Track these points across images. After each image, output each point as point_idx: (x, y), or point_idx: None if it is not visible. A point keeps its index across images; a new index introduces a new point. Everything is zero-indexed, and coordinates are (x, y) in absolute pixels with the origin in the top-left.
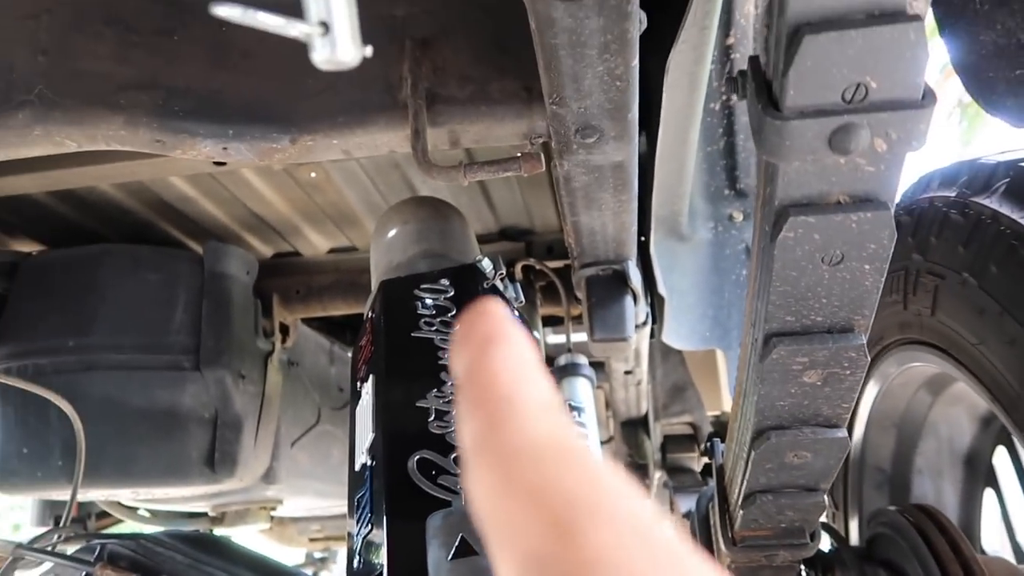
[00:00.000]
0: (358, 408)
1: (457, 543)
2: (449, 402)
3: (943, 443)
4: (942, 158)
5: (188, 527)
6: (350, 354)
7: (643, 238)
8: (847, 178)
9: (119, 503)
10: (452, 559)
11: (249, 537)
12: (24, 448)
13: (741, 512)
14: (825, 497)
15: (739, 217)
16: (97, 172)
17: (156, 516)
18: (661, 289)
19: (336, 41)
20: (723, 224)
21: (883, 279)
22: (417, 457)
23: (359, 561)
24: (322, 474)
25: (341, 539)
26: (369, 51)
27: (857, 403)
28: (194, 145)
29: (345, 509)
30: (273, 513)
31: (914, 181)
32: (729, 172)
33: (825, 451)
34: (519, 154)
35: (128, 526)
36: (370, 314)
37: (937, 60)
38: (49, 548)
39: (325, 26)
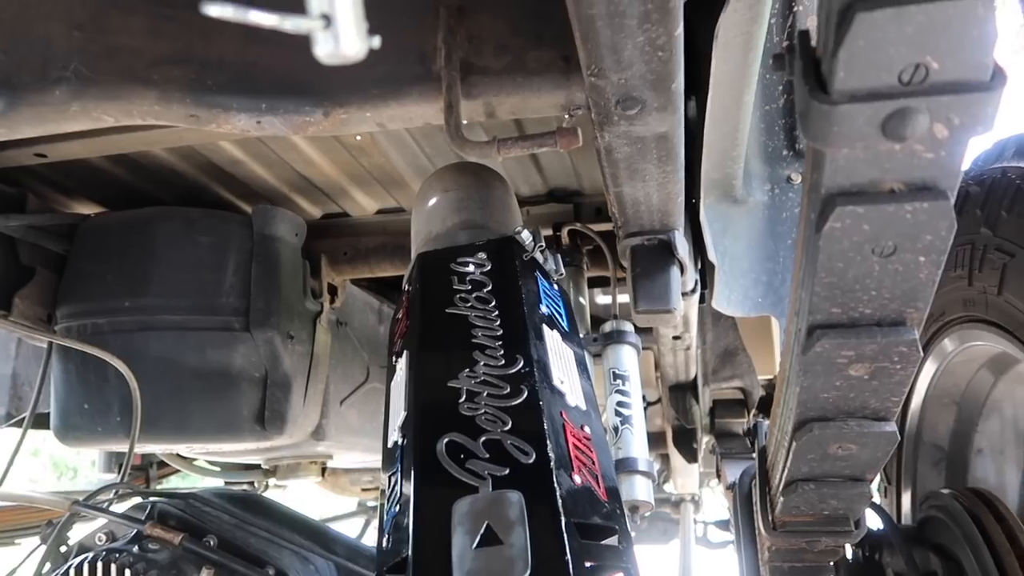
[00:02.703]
0: (392, 383)
1: (483, 531)
2: (481, 382)
3: (1007, 423)
4: (1018, 123)
5: (243, 479)
6: None
7: (693, 201)
8: (902, 165)
9: (177, 455)
10: (477, 547)
11: (303, 488)
12: (85, 404)
13: (782, 498)
14: (870, 487)
15: (798, 179)
16: (148, 137)
17: (212, 467)
18: (712, 255)
19: (339, 34)
20: (780, 186)
21: (940, 271)
22: (446, 440)
23: (388, 540)
24: (371, 430)
25: None
26: (377, 42)
27: (915, 379)
28: (228, 119)
29: None
30: (325, 466)
31: (986, 148)
32: (788, 132)
33: (872, 444)
34: (555, 128)
35: (185, 476)
36: (407, 287)
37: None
38: (104, 504)
39: (327, 19)
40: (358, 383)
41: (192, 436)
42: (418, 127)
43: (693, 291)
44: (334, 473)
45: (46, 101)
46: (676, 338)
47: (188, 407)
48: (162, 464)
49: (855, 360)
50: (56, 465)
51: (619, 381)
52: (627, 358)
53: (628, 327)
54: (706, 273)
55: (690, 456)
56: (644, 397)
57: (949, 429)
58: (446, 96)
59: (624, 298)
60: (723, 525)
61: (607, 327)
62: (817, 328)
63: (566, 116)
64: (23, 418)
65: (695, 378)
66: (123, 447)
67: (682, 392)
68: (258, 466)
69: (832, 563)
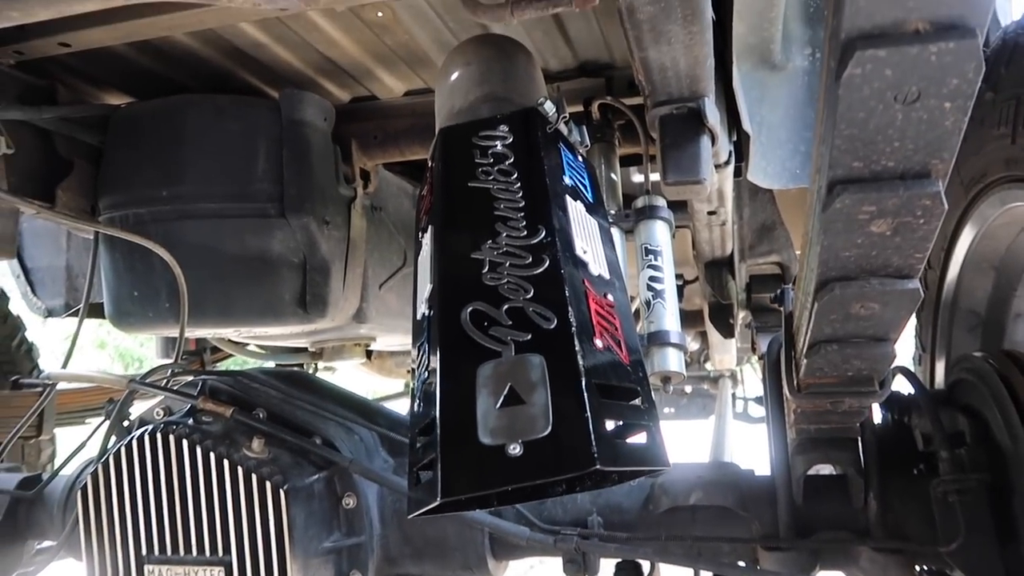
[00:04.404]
0: (419, 259)
1: (506, 392)
2: (503, 253)
3: None
4: None
5: (291, 361)
6: None
7: (728, 67)
8: (927, 2)
9: (229, 340)
10: (501, 407)
11: (349, 370)
12: (135, 291)
13: (806, 360)
14: (894, 347)
15: None
16: (168, 21)
17: (262, 351)
18: (747, 125)
19: None
20: (822, 50)
21: (967, 118)
22: (470, 308)
23: (418, 405)
24: (411, 313)
25: None
26: None
27: (952, 244)
28: None
29: None
30: (369, 348)
31: None
32: None
33: (895, 303)
34: None
35: (238, 360)
36: (430, 163)
37: None
38: (160, 383)
39: None
40: (396, 268)
41: (238, 320)
42: (439, 0)
43: (727, 163)
44: (380, 356)
45: None
46: (711, 213)
47: (231, 292)
48: (215, 350)
49: (877, 215)
50: (122, 356)
51: (651, 256)
52: (659, 233)
53: (660, 202)
54: (741, 144)
55: (726, 332)
56: (681, 276)
57: (987, 294)
58: None
59: (656, 176)
60: (762, 401)
61: (639, 203)
62: (838, 183)
63: None
64: (80, 308)
65: (731, 254)
66: (174, 331)
67: (718, 268)
68: (305, 349)
69: (859, 425)
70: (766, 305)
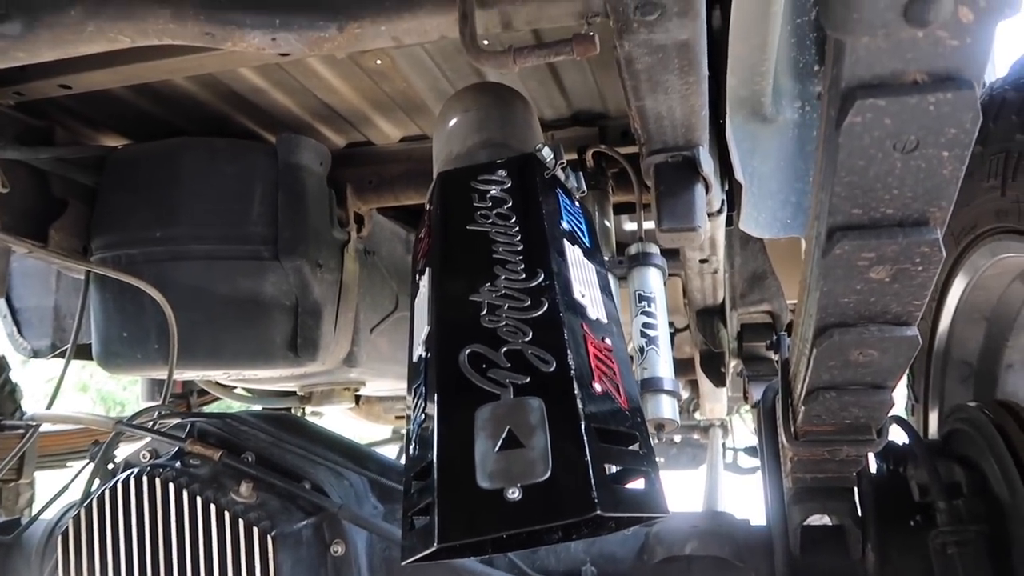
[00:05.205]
0: (416, 301)
1: (505, 435)
2: (502, 296)
3: None
4: None
5: (279, 405)
6: None
7: (720, 121)
8: (925, 54)
9: (216, 382)
10: (499, 450)
11: (337, 415)
12: (124, 332)
13: (804, 407)
14: (892, 395)
15: None
16: (169, 65)
17: (250, 394)
18: (739, 175)
19: None
20: (811, 104)
21: (964, 167)
22: (468, 351)
23: (414, 449)
24: (402, 358)
25: None
26: None
27: (944, 295)
28: (243, 37)
29: None
30: (358, 393)
31: None
32: (820, 46)
33: (893, 349)
34: (572, 36)
35: (225, 403)
36: (428, 206)
37: None
38: (148, 425)
39: None
40: (388, 312)
41: (227, 362)
42: (437, 48)
43: (720, 211)
44: (368, 401)
45: (62, 22)
46: (703, 261)
47: (222, 334)
48: (202, 392)
49: (876, 262)
50: (104, 399)
51: (644, 303)
52: (653, 280)
53: (654, 249)
54: (733, 194)
55: (718, 380)
56: (672, 324)
57: (979, 345)
58: (460, 6)
59: (649, 224)
60: (752, 451)
61: (632, 249)
62: (837, 230)
63: (584, 24)
64: (67, 348)
65: (723, 302)
66: (162, 373)
67: (710, 317)
68: (293, 393)
69: (855, 474)
70: (758, 354)
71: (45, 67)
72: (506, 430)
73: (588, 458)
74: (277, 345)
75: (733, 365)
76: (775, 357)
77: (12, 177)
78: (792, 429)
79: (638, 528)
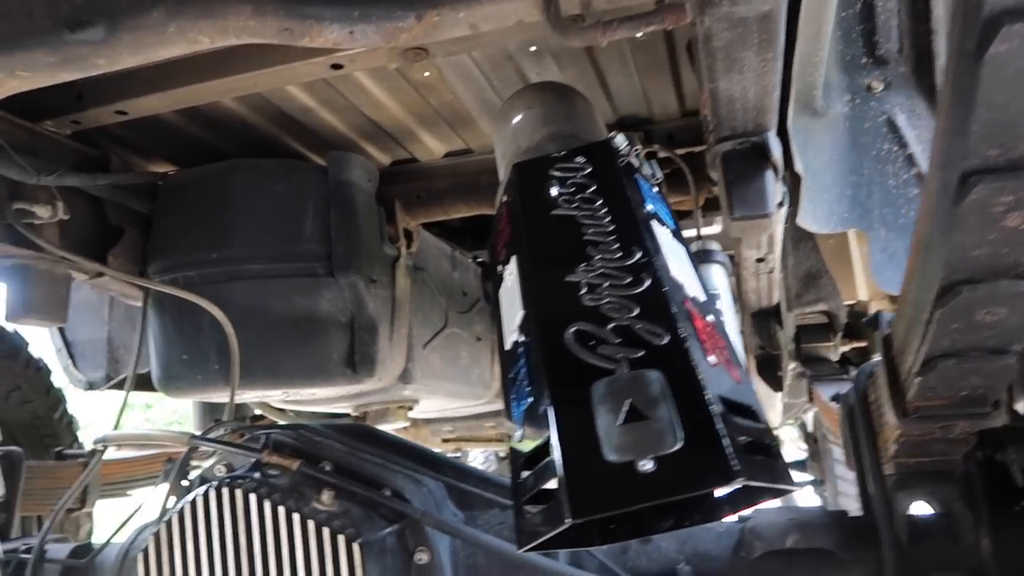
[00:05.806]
0: (502, 290)
1: (626, 409)
2: (600, 275)
3: None
4: None
5: None
6: (470, 259)
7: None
8: None
9: (270, 405)
10: (623, 424)
11: None
12: (184, 355)
13: (918, 380)
14: (1015, 360)
15: (878, 87)
16: (219, 86)
17: (303, 417)
18: (799, 167)
19: None
20: (861, 96)
21: None
22: (573, 329)
23: (522, 432)
24: (453, 375)
25: (472, 440)
26: None
27: None
28: (321, 31)
29: (475, 411)
30: (410, 413)
31: None
32: (867, 38)
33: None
34: (661, 4)
35: None
36: (504, 198)
37: None
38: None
39: None
40: (438, 328)
41: (286, 381)
42: (485, 56)
43: (781, 204)
44: (415, 424)
45: (144, 24)
46: (760, 260)
47: (279, 353)
48: (256, 418)
49: (1012, 207)
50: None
51: (710, 300)
52: (716, 276)
53: (715, 246)
54: (789, 188)
55: (775, 384)
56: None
57: None
58: None
59: (707, 230)
60: (800, 466)
61: (693, 247)
62: (972, 174)
63: None
64: (122, 379)
65: (778, 304)
66: (222, 394)
67: (765, 318)
68: (347, 415)
69: (961, 457)
70: (817, 354)
71: (100, 94)
72: (627, 403)
73: (722, 426)
74: (335, 362)
75: (791, 368)
76: (839, 352)
77: (70, 206)
78: (902, 405)
79: (731, 524)
